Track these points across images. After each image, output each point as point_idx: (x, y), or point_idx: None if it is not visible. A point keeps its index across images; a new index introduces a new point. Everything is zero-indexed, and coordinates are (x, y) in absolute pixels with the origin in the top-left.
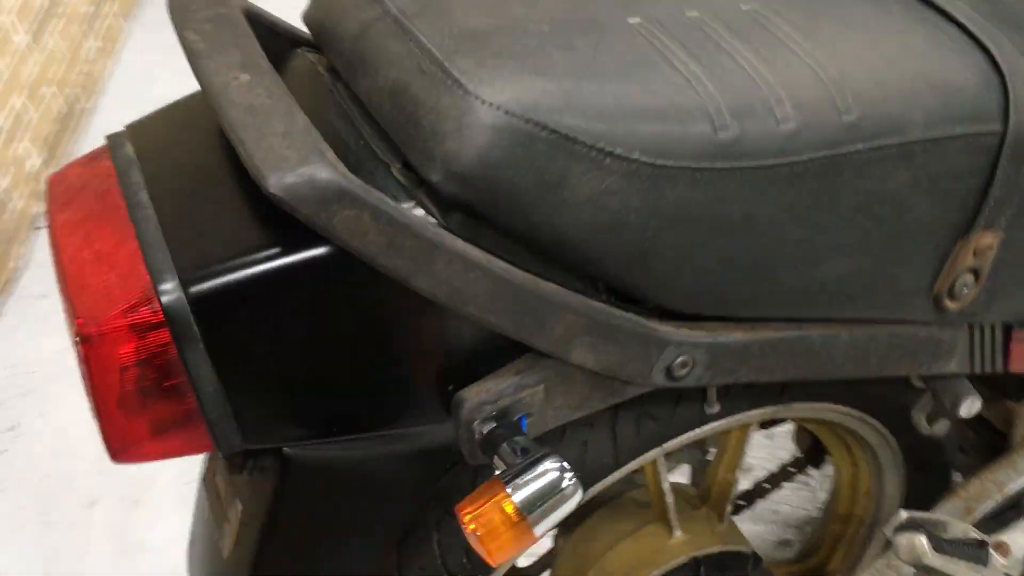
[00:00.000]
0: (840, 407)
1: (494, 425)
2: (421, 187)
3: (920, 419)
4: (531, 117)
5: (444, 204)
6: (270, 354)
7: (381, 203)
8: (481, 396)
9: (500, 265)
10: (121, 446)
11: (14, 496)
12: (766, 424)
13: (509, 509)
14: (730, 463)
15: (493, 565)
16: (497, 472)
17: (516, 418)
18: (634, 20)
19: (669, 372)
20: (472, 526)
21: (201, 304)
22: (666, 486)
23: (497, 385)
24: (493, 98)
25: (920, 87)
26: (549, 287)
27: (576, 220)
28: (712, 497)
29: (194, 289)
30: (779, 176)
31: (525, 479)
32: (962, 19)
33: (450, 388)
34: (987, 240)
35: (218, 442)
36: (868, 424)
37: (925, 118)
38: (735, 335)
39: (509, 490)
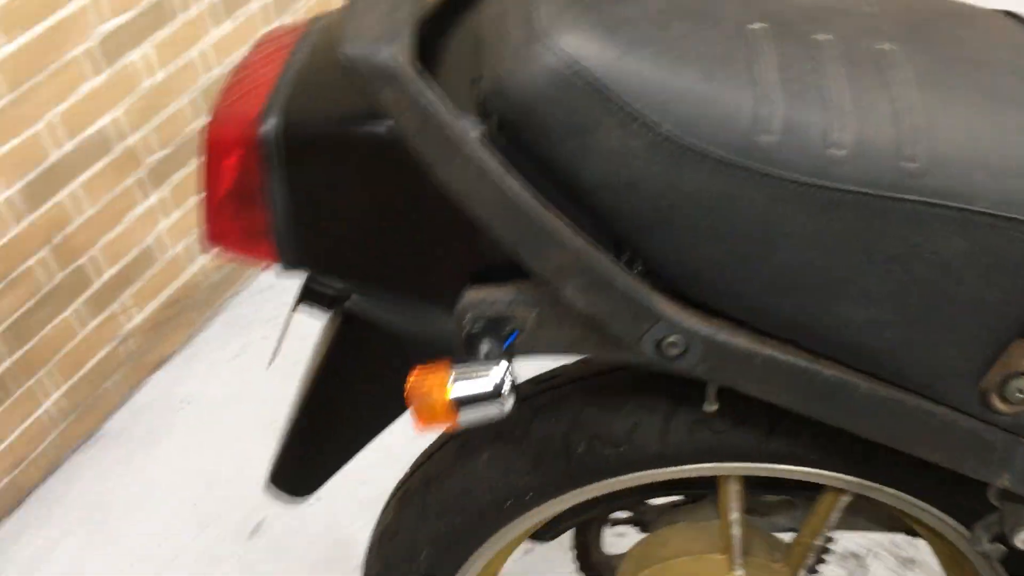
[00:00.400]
0: (928, 506)
1: (483, 327)
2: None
3: (982, 536)
4: (577, 63)
5: (496, 121)
6: (330, 196)
7: (421, 93)
8: (479, 297)
9: (513, 184)
10: (215, 233)
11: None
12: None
13: (445, 391)
14: (814, 528)
15: (416, 430)
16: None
17: (507, 330)
18: (755, 26)
19: (659, 347)
20: (411, 389)
21: (289, 141)
22: (734, 516)
23: (495, 294)
24: (553, 39)
25: (1013, 166)
26: (554, 221)
27: (596, 170)
28: (791, 556)
29: (289, 128)
30: (810, 197)
31: (470, 375)
32: None
33: (466, 284)
34: None
35: (279, 254)
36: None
37: (1001, 194)
38: (739, 340)
39: (452, 376)
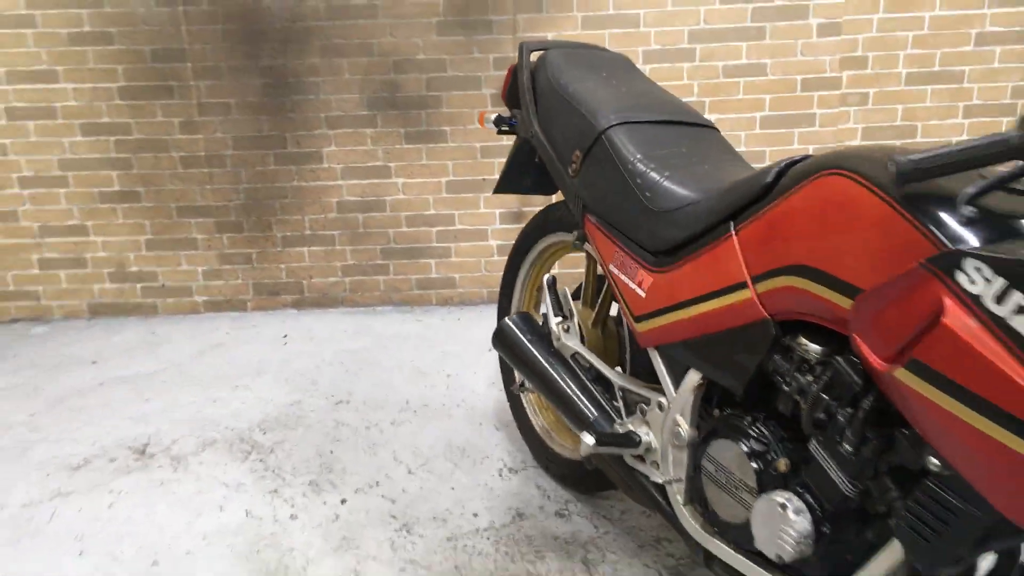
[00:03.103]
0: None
1: (511, 114)
2: None
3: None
4: (547, 53)
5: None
6: (513, 86)
7: (525, 61)
8: (516, 109)
9: (527, 78)
10: (502, 95)
11: None
12: None
13: (484, 117)
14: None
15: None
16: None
17: (514, 120)
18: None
19: (530, 133)
20: (480, 115)
21: (527, 60)
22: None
23: (516, 110)
24: (550, 52)
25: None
26: (528, 95)
27: (541, 80)
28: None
29: (535, 64)
30: (563, 104)
31: (492, 115)
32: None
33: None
34: (577, 154)
35: (507, 102)
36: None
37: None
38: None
39: (487, 114)
